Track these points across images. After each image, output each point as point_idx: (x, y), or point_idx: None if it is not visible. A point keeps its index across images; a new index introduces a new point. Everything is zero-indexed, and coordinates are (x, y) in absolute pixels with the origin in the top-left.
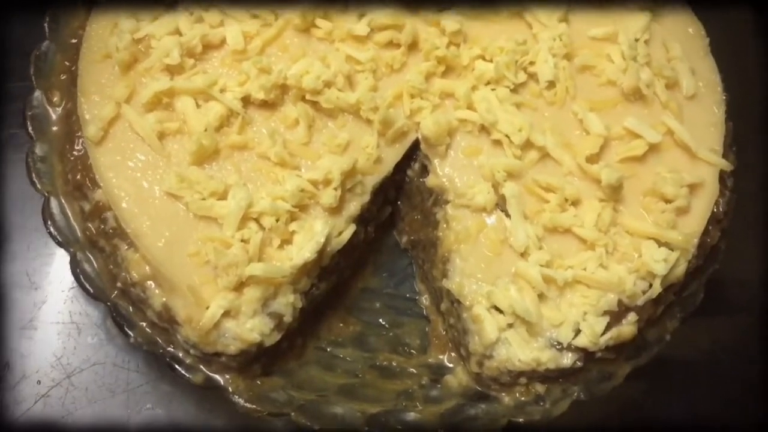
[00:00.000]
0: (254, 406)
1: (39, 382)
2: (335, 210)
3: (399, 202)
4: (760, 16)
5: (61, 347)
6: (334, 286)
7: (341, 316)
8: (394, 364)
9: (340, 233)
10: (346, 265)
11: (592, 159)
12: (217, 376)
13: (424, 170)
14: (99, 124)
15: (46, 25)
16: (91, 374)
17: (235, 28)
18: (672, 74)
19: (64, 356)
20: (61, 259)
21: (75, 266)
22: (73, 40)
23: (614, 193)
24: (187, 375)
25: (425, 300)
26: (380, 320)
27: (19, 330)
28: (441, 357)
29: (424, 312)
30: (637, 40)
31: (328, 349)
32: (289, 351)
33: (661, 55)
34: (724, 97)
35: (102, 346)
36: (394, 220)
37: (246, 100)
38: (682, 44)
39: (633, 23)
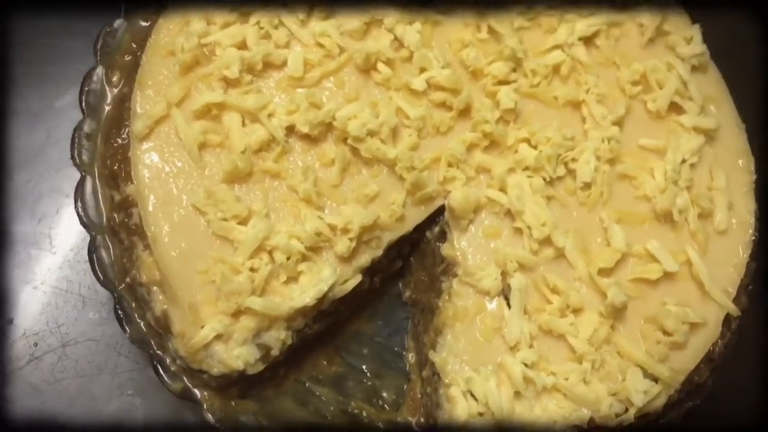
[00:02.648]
0: (222, 428)
1: (36, 344)
2: (346, 259)
3: (411, 258)
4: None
5: (64, 316)
6: (327, 326)
7: (328, 354)
8: (364, 414)
9: (345, 281)
10: (344, 309)
11: (605, 272)
12: (195, 390)
13: (443, 235)
14: (147, 121)
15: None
16: (84, 348)
17: (298, 53)
18: (708, 205)
19: (64, 325)
20: (85, 233)
21: (92, 249)
22: (145, 23)
23: (616, 312)
24: (168, 381)
25: (411, 358)
26: (363, 367)
27: (30, 288)
28: (410, 419)
29: (407, 369)
30: (684, 161)
31: (307, 384)
32: (269, 379)
33: (704, 181)
34: (754, 238)
35: (101, 324)
36: (402, 271)
37: (290, 129)
38: (729, 174)
39: (686, 142)
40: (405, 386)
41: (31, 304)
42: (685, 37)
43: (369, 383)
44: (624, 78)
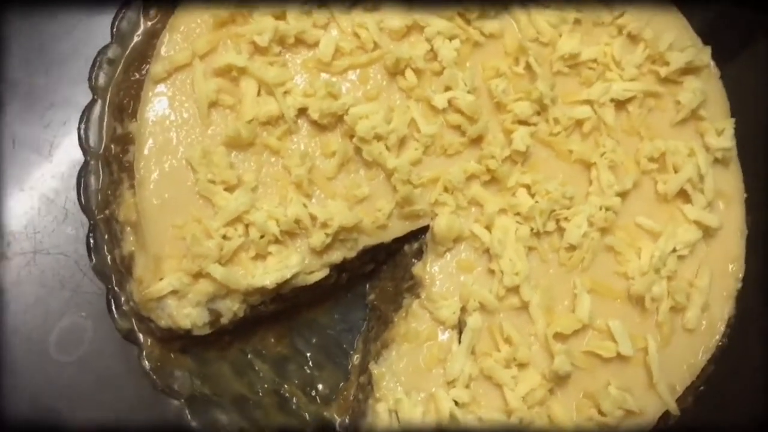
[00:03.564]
0: (155, 377)
1: (9, 244)
2: (318, 252)
3: (384, 265)
4: None
5: (43, 224)
6: (284, 308)
7: (277, 333)
8: (294, 400)
9: (311, 272)
10: (305, 297)
11: (561, 337)
12: (140, 334)
13: (420, 253)
14: (167, 65)
15: None
16: (53, 260)
17: (331, 38)
18: (683, 301)
19: (41, 233)
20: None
21: (81, 173)
22: None
23: (558, 378)
24: (117, 319)
25: (356, 359)
26: (308, 354)
27: (18, 189)
28: (337, 417)
29: (349, 368)
30: (675, 250)
31: (249, 356)
32: (213, 342)
33: (688, 276)
34: (719, 344)
35: (75, 242)
36: (372, 274)
37: (302, 111)
38: (714, 276)
39: (682, 233)
40: (341, 384)
41: (16, 206)
42: (717, 129)
43: (308, 372)
44: (643, 151)
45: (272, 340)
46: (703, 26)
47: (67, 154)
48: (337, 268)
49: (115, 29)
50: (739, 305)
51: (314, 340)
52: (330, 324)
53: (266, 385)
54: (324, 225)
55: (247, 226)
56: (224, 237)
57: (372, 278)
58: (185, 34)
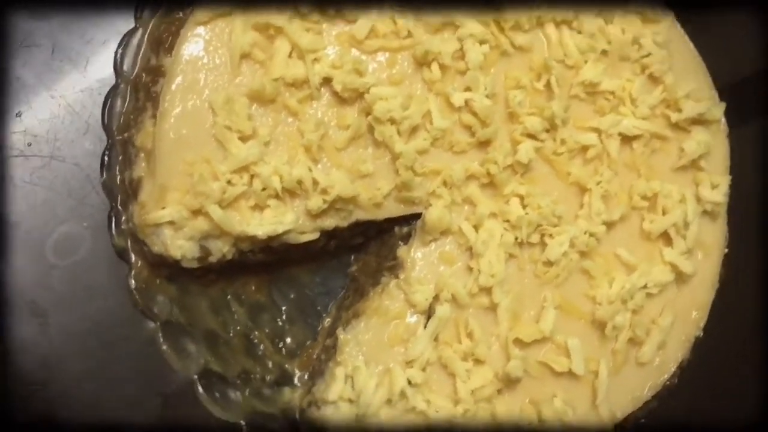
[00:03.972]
0: (138, 296)
1: (30, 144)
2: (313, 215)
3: (373, 241)
4: None
5: (64, 132)
6: (271, 259)
7: (259, 281)
8: (261, 347)
9: (302, 233)
10: (292, 254)
11: (520, 343)
12: (132, 254)
13: (408, 237)
14: (210, 12)
15: None
16: (67, 169)
17: (369, 18)
18: (642, 336)
19: (60, 141)
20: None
21: (110, 94)
22: None
23: (509, 381)
24: (114, 235)
25: (327, 322)
26: (284, 308)
27: (47, 95)
28: (297, 372)
29: (318, 329)
30: (645, 287)
31: (228, 297)
32: (198, 277)
33: (652, 314)
34: (667, 383)
35: (90, 156)
36: (360, 247)
37: (326, 80)
38: (678, 319)
39: (656, 273)
40: (308, 342)
41: (42, 109)
42: (713, 182)
43: (280, 324)
44: (637, 188)
45: (253, 287)
46: (730, 81)
47: (100, 72)
48: (328, 235)
49: None
50: (695, 350)
51: (292, 296)
52: (310, 284)
53: (238, 328)
54: (324, 191)
55: (252, 176)
56: (229, 182)
57: (358, 251)
58: None
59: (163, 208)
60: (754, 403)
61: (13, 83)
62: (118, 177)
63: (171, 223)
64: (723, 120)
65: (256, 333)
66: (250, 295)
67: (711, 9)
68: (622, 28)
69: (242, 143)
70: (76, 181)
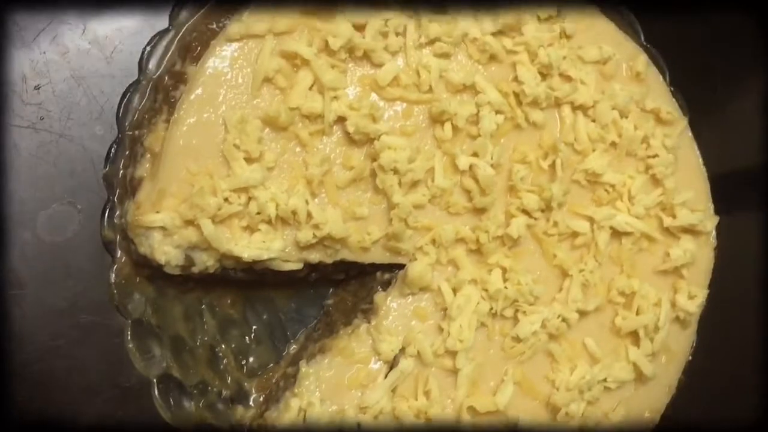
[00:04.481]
0: (115, 291)
1: (42, 118)
2: (300, 246)
3: (353, 280)
4: None
5: (77, 113)
6: (249, 279)
7: (234, 297)
8: (225, 361)
9: (287, 261)
10: (272, 278)
11: (473, 411)
12: (118, 249)
13: (387, 285)
14: (243, 30)
15: None
16: (73, 148)
17: (394, 66)
18: (591, 428)
19: (73, 121)
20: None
21: (130, 88)
22: None
23: None
24: (105, 226)
25: (292, 349)
26: (254, 327)
27: (68, 74)
28: (254, 392)
29: (283, 354)
30: (605, 381)
31: (203, 307)
32: (178, 283)
33: (605, 407)
34: None
35: (99, 142)
36: (339, 283)
37: (341, 119)
38: (629, 417)
39: (617, 370)
40: (271, 365)
41: (60, 86)
42: (691, 293)
43: (247, 342)
44: (617, 283)
45: (228, 300)
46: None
47: (125, 62)
48: (311, 267)
49: None
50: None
51: (264, 317)
52: (284, 308)
53: (206, 338)
54: (316, 226)
55: (249, 198)
56: (226, 200)
57: (337, 285)
58: (271, 10)
59: (158, 212)
60: None
61: (38, 56)
62: (121, 171)
63: (162, 228)
64: (713, 233)
65: (223, 347)
66: (224, 308)
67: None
68: (635, 124)
69: (247, 164)
70: (80, 163)
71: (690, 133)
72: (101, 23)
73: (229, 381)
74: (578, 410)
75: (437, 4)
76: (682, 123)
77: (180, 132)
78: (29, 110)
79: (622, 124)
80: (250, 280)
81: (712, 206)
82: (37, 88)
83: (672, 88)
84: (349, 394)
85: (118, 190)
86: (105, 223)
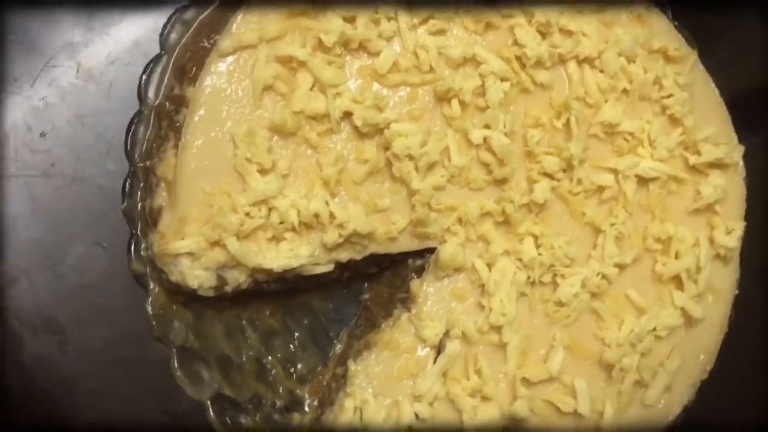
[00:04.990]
0: (154, 322)
1: (53, 164)
2: (328, 248)
3: (386, 271)
4: None
5: (87, 153)
6: (284, 288)
7: (272, 307)
8: (273, 372)
9: (317, 264)
10: (306, 283)
11: (527, 382)
12: (150, 280)
13: (421, 270)
14: (235, 43)
15: None
16: (88, 189)
17: (392, 53)
18: (648, 379)
19: (83, 162)
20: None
21: (134, 120)
22: None
23: (514, 420)
24: (134, 260)
25: (338, 349)
26: (297, 333)
27: (71, 115)
28: (307, 398)
29: (329, 356)
30: (654, 330)
31: (243, 322)
32: (214, 303)
33: (659, 356)
34: (671, 425)
35: (112, 178)
36: (373, 276)
37: (347, 114)
38: (685, 362)
39: (665, 317)
40: (319, 368)
41: (65, 129)
42: (728, 227)
43: (292, 349)
44: (651, 231)
45: (267, 312)
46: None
47: (124, 94)
48: (342, 266)
49: None
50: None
51: (305, 322)
52: (323, 311)
53: (251, 353)
54: (340, 225)
55: (270, 209)
56: (247, 214)
57: (371, 280)
58: (259, 16)
59: (182, 238)
60: None
61: (38, 103)
62: (139, 204)
63: (189, 253)
64: (741, 163)
65: (269, 358)
66: (263, 320)
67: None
68: (644, 67)
69: (261, 176)
70: (97, 202)
71: (701, 66)
72: (92, 57)
73: (281, 391)
74: (632, 364)
75: None
76: (691, 57)
77: (190, 156)
78: (39, 158)
79: (631, 70)
80: (284, 289)
81: (735, 137)
82: (43, 134)
83: (676, 23)
84: (401, 386)
85: (139, 223)
86: (133, 258)
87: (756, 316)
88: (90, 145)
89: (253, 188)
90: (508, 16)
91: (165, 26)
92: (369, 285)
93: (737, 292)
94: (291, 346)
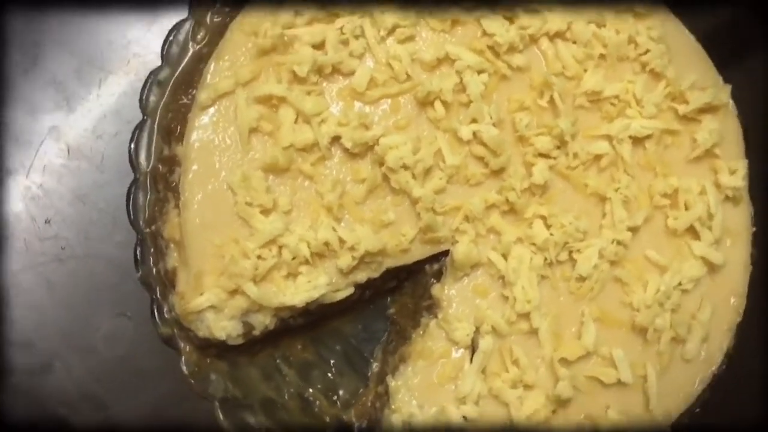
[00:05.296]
0: (192, 380)
1: (63, 248)
2: (344, 272)
3: (405, 282)
4: None
5: (94, 230)
6: (310, 320)
7: (303, 341)
8: (317, 403)
9: (337, 290)
10: (330, 311)
11: (566, 362)
12: (179, 340)
13: (440, 274)
14: (212, 93)
15: None
16: (102, 264)
17: (366, 69)
18: (684, 333)
19: (92, 240)
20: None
21: (131, 189)
22: None
23: (560, 402)
24: (159, 324)
25: (375, 367)
26: (332, 361)
27: (74, 197)
28: (355, 421)
29: (368, 375)
30: (680, 284)
31: (277, 362)
32: (246, 349)
33: (690, 309)
34: (716, 373)
35: (123, 249)
36: (394, 289)
37: (335, 138)
38: (716, 309)
39: (688, 268)
40: (361, 390)
41: (68, 212)
42: (731, 168)
43: (331, 377)
44: (656, 187)
45: (299, 347)
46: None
47: (117, 166)
48: (362, 287)
49: (164, 52)
50: (738, 332)
51: (338, 348)
52: (353, 333)
53: (292, 389)
54: (351, 248)
55: (280, 247)
56: (259, 257)
57: (393, 293)
58: (230, 62)
59: (202, 294)
60: None
61: (37, 191)
62: (153, 269)
63: (211, 307)
64: (731, 102)
65: (310, 390)
66: (297, 355)
67: None
68: (616, 29)
69: (265, 217)
70: (113, 274)
71: (672, 15)
72: (78, 135)
73: (328, 420)
74: (665, 322)
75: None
76: (661, 9)
77: (192, 212)
78: (48, 245)
79: (603, 34)
80: (311, 321)
81: (719, 77)
82: (48, 221)
83: None
84: (443, 391)
85: (158, 287)
86: (158, 322)
87: None
88: (95, 222)
89: (260, 231)
90: (473, 8)
91: (142, 91)
92: (392, 299)
93: (754, 229)
94: (329, 374)
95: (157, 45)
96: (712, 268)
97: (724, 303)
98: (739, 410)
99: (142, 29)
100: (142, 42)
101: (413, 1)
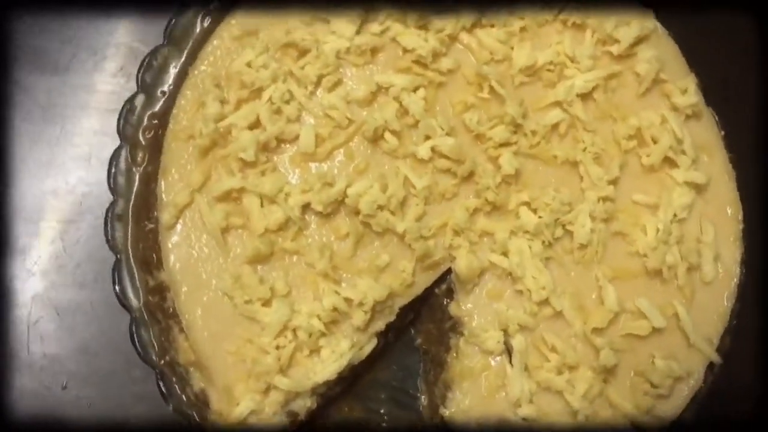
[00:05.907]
0: None
1: (90, 405)
2: (361, 329)
3: (422, 309)
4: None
5: (113, 375)
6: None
7: (348, 402)
8: None
9: (362, 347)
10: (362, 367)
11: (599, 330)
12: None
13: (450, 292)
14: (173, 210)
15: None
16: (132, 404)
17: (308, 129)
18: (696, 259)
19: (111, 387)
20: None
21: (133, 329)
22: (161, 90)
23: (607, 370)
24: None
25: (424, 400)
26: (382, 410)
27: (76, 351)
28: None
29: (420, 410)
30: (675, 216)
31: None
32: (295, 429)
33: (694, 234)
34: (737, 282)
35: (144, 384)
36: (414, 320)
37: (306, 206)
38: (717, 225)
39: (677, 197)
40: (418, 426)
41: (79, 366)
42: (681, 88)
43: (385, 426)
44: (620, 132)
45: (346, 409)
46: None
47: (110, 309)
48: (383, 333)
49: (112, 185)
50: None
51: (382, 396)
52: (391, 377)
53: None
54: (360, 304)
55: (294, 330)
56: (277, 347)
57: (414, 323)
58: (179, 173)
59: (237, 404)
60: None
61: (41, 361)
62: (183, 397)
63: (252, 412)
64: (658, 25)
65: None
66: (346, 417)
67: None
68: None
69: (268, 308)
70: (145, 412)
71: None
72: (60, 295)
73: None
74: (675, 257)
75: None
76: None
77: (198, 331)
78: (69, 407)
79: (516, 8)
80: (349, 383)
81: (640, 6)
82: (65, 387)
83: None
84: (496, 401)
85: (193, 413)
86: None
87: None
88: (107, 368)
89: (269, 323)
90: (382, 32)
91: (106, 231)
92: (415, 329)
93: (723, 133)
94: (383, 424)
95: (101, 178)
96: (698, 188)
97: (722, 216)
98: (737, 410)
99: (82, 167)
100: (85, 180)
101: None
